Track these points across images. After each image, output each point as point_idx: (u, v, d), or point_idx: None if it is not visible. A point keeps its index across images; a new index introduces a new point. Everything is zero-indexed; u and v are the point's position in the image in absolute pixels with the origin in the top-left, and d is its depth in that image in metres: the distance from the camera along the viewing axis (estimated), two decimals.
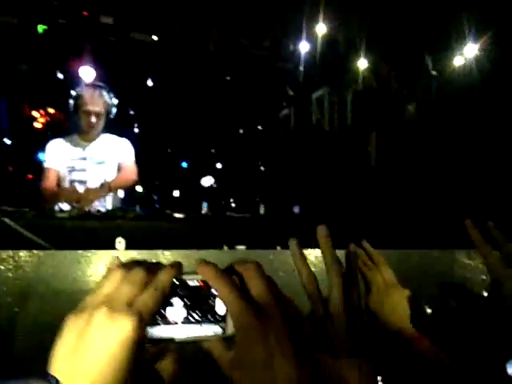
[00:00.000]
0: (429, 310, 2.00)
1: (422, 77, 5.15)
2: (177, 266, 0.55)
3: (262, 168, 6.27)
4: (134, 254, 1.88)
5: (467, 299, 1.16)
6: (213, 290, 0.56)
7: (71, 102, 3.15)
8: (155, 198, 4.26)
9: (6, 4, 4.67)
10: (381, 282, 1.18)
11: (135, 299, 0.51)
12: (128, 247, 1.91)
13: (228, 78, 5.98)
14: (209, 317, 0.56)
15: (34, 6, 4.78)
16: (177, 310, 0.54)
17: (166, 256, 1.94)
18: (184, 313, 0.55)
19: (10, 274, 1.62)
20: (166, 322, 0.54)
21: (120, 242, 1.92)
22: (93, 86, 3.21)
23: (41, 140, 6.13)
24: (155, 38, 5.31)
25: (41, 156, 3.25)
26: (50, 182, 3.10)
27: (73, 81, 5.22)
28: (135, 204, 2.87)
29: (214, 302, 0.56)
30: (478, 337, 0.96)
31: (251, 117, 6.41)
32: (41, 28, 5.04)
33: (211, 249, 2.16)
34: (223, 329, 0.56)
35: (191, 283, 0.56)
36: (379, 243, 2.30)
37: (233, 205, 5.55)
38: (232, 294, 0.53)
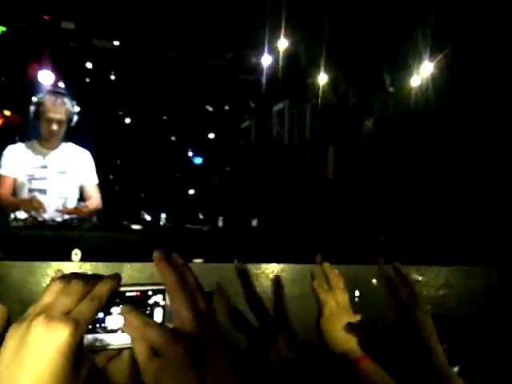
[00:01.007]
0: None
1: (379, 92, 5.27)
2: (115, 278, 0.58)
3: (221, 180, 6.28)
4: (89, 267, 1.87)
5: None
6: (150, 301, 0.59)
7: (32, 108, 3.07)
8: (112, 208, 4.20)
9: None
10: (333, 305, 1.18)
11: (72, 309, 0.53)
12: (84, 259, 1.89)
13: (190, 86, 5.96)
14: None
15: None
16: (115, 318, 0.57)
17: (123, 269, 1.94)
18: (122, 321, 0.57)
19: None
20: (105, 330, 0.57)
21: (76, 254, 1.91)
22: (55, 92, 3.13)
23: None
24: (117, 44, 5.26)
25: None
26: (4, 189, 3.01)
27: (31, 84, 5.13)
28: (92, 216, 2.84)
29: (152, 310, 0.59)
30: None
31: (212, 127, 6.43)
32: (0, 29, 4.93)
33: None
34: None
35: (129, 294, 0.59)
36: (333, 258, 2.35)
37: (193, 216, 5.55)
38: (176, 290, 0.56)
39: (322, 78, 5.31)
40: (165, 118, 6.54)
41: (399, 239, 2.90)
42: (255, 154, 5.77)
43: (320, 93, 5.30)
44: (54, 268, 1.76)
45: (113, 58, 5.44)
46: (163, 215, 2.80)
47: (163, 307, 0.59)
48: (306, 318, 2.12)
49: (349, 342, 1.14)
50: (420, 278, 2.34)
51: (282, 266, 2.21)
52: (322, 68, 5.21)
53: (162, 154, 6.53)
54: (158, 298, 0.59)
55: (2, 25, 4.90)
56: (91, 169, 3.21)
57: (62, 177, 3.06)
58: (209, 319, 0.57)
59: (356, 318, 1.18)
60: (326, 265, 1.27)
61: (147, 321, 0.56)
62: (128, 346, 0.57)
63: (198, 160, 6.77)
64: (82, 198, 3.15)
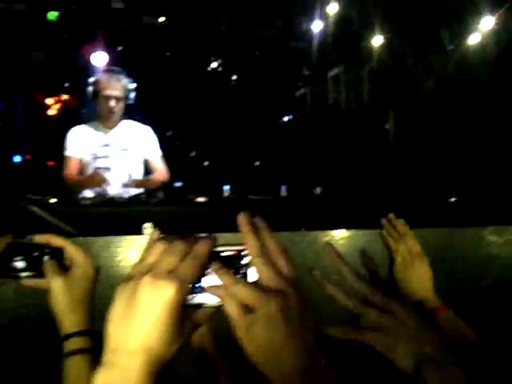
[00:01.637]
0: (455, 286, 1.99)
1: (437, 51, 5.05)
2: (213, 238, 0.60)
3: (281, 149, 6.22)
4: None
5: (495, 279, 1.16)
6: (244, 260, 0.61)
7: (90, 88, 3.12)
8: (178, 183, 4.26)
9: None
10: (405, 252, 1.19)
11: (176, 267, 0.56)
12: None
13: (242, 58, 5.91)
14: None
15: None
16: (212, 278, 0.60)
17: None
18: (218, 281, 0.59)
19: None
20: (203, 289, 0.60)
21: (146, 228, 1.93)
22: (110, 70, 3.17)
23: (56, 127, 6.19)
24: (165, 20, 5.25)
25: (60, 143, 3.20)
26: (71, 170, 3.08)
27: (86, 67, 5.22)
28: (158, 189, 2.88)
29: (246, 270, 0.61)
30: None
31: (267, 98, 6.35)
32: (52, 15, 5.01)
33: (235, 232, 2.16)
34: None
35: (224, 254, 0.61)
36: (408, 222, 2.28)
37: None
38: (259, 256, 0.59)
39: (377, 40, 5.14)
40: (219, 91, 6.54)
41: (465, 201, 2.77)
42: (312, 122, 5.68)
43: (376, 55, 5.14)
44: (125, 242, 1.79)
45: (164, 34, 5.44)
46: (226, 187, 2.79)
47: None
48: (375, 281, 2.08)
49: (424, 291, 1.14)
50: (496, 239, 2.25)
51: (350, 232, 2.17)
52: (377, 29, 5.04)
53: (220, 127, 6.55)
54: None
55: (55, 9, 4.98)
56: (154, 143, 3.23)
57: (124, 154, 3.10)
58: (292, 280, 0.59)
59: (428, 266, 1.18)
60: (392, 215, 1.28)
61: (236, 278, 0.59)
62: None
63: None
64: (147, 172, 3.20)
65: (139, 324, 0.53)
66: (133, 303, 0.54)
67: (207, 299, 0.60)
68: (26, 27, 5.22)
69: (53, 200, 2.21)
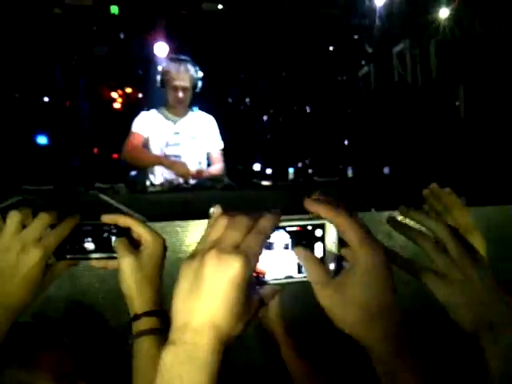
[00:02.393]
0: None
1: (508, 21, 4.76)
2: (277, 213, 0.59)
3: (346, 130, 6.12)
4: None
5: None
6: (310, 235, 0.61)
7: (158, 77, 3.17)
8: (240, 167, 4.28)
9: None
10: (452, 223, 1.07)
11: (241, 242, 0.55)
12: None
13: (305, 39, 5.82)
14: None
15: None
16: (275, 253, 0.61)
17: None
18: (290, 250, 0.60)
19: None
20: (273, 259, 0.61)
21: (213, 212, 1.93)
22: (178, 60, 3.19)
23: (121, 119, 6.36)
24: (224, 6, 5.25)
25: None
26: (135, 142, 3.10)
27: (148, 58, 5.31)
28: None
29: (313, 245, 0.61)
30: None
31: (330, 78, 6.26)
32: (115, 9, 5.13)
33: (302, 214, 2.13)
34: None
35: (290, 229, 0.60)
36: (471, 200, 2.17)
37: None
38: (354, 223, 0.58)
39: (444, 12, 4.91)
40: (283, 74, 6.50)
41: None
42: (378, 100, 5.53)
43: (443, 28, 4.91)
44: (194, 227, 1.79)
45: (224, 20, 5.44)
46: (291, 170, 2.76)
47: (323, 241, 0.61)
48: None
49: None
50: None
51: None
52: (443, 1, 4.82)
53: (285, 110, 6.53)
54: (318, 232, 0.61)
55: (117, 3, 5.09)
56: (216, 134, 3.27)
57: (193, 142, 3.14)
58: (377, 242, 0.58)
59: (482, 242, 1.07)
60: (435, 185, 1.18)
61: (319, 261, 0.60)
62: (294, 280, 0.61)
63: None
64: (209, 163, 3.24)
65: (206, 300, 0.52)
66: (198, 279, 0.53)
67: (274, 276, 0.61)
68: (91, 22, 5.37)
69: (121, 188, 2.26)
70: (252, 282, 0.56)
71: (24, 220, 0.79)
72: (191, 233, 1.74)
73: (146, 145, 3.13)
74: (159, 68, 3.19)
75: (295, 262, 0.61)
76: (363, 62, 6.09)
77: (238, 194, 2.36)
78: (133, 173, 3.70)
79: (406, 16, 5.18)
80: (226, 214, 0.57)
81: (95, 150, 6.71)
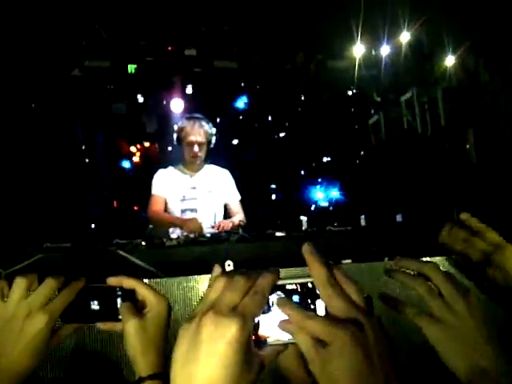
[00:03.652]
0: None
1: None
2: (275, 272, 0.59)
3: (357, 178, 6.16)
4: None
5: None
6: (310, 292, 0.59)
7: (175, 134, 3.31)
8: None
9: (99, 49, 5.00)
10: (481, 246, 1.01)
11: (238, 303, 0.54)
12: (236, 268, 1.94)
13: (313, 91, 5.97)
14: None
15: (123, 48, 5.07)
16: (280, 313, 0.58)
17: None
18: (280, 315, 0.58)
19: None
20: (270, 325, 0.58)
21: (229, 265, 1.97)
22: (193, 118, 3.34)
23: (140, 173, 6.48)
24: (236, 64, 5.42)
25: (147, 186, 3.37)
26: (158, 207, 3.23)
27: (165, 114, 5.47)
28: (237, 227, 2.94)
29: (314, 302, 0.59)
30: None
31: (340, 129, 6.35)
32: (131, 68, 5.33)
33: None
34: None
35: (289, 287, 0.59)
36: None
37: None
38: (331, 287, 0.57)
39: (449, 60, 5.03)
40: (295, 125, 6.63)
41: None
42: (389, 148, 5.59)
43: (449, 75, 5.02)
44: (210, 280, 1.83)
45: (235, 77, 5.62)
46: (304, 218, 2.80)
47: None
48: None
49: None
50: None
51: (435, 259, 2.09)
52: (448, 48, 4.93)
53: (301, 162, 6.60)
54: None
55: (132, 63, 5.30)
56: (232, 187, 3.37)
57: (209, 196, 3.23)
58: (364, 309, 0.56)
59: None
60: (448, 224, 1.10)
61: (306, 312, 0.56)
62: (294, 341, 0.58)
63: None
64: (226, 214, 3.31)
65: (204, 365, 0.51)
66: (196, 343, 0.53)
67: (276, 335, 0.59)
68: (109, 81, 5.58)
69: (139, 243, 2.31)
70: (251, 344, 0.55)
71: (30, 285, 0.79)
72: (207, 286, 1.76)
73: (166, 203, 3.26)
74: (175, 127, 3.33)
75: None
76: (372, 111, 6.19)
77: (252, 246, 2.39)
78: (151, 226, 3.78)
79: (413, 65, 5.29)
80: (224, 275, 0.58)
81: (115, 204, 6.81)
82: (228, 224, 3.06)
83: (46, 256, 1.99)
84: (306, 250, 0.59)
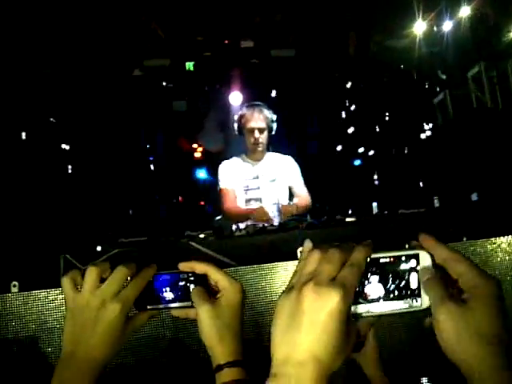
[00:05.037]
0: None
1: None
2: (369, 245, 0.59)
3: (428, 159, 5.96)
4: None
5: None
6: (404, 265, 0.60)
7: (235, 124, 3.31)
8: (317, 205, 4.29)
9: (157, 48, 5.10)
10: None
11: (336, 275, 0.55)
12: None
13: (372, 73, 5.83)
14: (404, 291, 0.60)
15: (181, 45, 5.14)
16: (374, 286, 0.60)
17: None
18: (381, 289, 0.60)
19: None
20: (366, 299, 0.59)
21: (301, 252, 1.95)
22: (252, 105, 3.33)
23: (202, 167, 6.59)
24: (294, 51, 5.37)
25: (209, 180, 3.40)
26: (231, 201, 3.23)
27: (225, 108, 5.51)
28: (305, 214, 2.91)
29: (408, 276, 0.60)
30: None
31: (405, 110, 6.18)
32: (189, 65, 5.40)
33: (390, 250, 2.08)
34: (419, 302, 0.60)
35: (383, 260, 0.60)
36: None
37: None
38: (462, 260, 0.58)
39: None
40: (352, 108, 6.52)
41: None
42: (458, 126, 5.37)
43: None
44: (281, 268, 1.82)
45: (292, 65, 5.57)
46: (374, 204, 2.73)
47: (417, 271, 0.60)
48: None
49: None
50: None
51: None
52: None
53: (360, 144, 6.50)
54: (413, 262, 0.60)
55: (191, 59, 5.36)
56: (296, 172, 3.33)
57: (272, 184, 3.21)
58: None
59: None
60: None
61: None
62: (389, 312, 0.60)
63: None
64: (292, 199, 3.28)
65: (306, 333, 0.53)
66: (297, 313, 0.54)
67: (370, 309, 0.60)
68: (169, 79, 5.68)
69: (210, 234, 2.33)
70: (350, 315, 0.56)
71: (102, 274, 0.78)
72: (280, 274, 1.76)
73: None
74: (235, 116, 3.32)
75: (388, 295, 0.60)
76: (437, 89, 5.97)
77: (321, 232, 2.36)
78: (218, 218, 3.82)
79: (478, 38, 5.06)
80: (318, 248, 0.58)
81: (180, 199, 6.96)
82: (292, 207, 3.02)
83: (121, 251, 2.05)
84: (424, 237, 0.61)
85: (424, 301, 0.59)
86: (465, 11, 4.85)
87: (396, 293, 0.60)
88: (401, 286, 0.60)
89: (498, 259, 1.94)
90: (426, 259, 0.60)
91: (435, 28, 5.25)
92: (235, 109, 5.20)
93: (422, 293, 0.60)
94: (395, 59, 5.64)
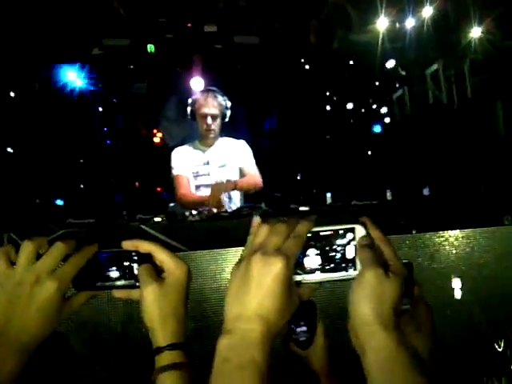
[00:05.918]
0: None
1: None
2: (312, 220, 0.68)
3: (382, 153, 6.06)
4: None
5: None
6: (342, 238, 0.68)
7: (188, 108, 3.26)
8: (278, 194, 4.30)
9: (118, 28, 4.96)
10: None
11: (281, 245, 0.64)
12: None
13: (333, 67, 5.86)
14: (340, 262, 0.68)
15: (142, 26, 5.02)
16: (313, 258, 0.68)
17: None
18: (319, 260, 0.68)
19: None
20: (304, 270, 0.68)
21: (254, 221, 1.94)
22: (206, 90, 3.30)
23: (162, 154, 6.49)
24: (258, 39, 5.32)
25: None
26: (185, 187, 3.20)
27: (185, 92, 5.43)
28: (260, 201, 2.90)
29: (345, 247, 0.68)
30: None
31: (365, 103, 6.25)
32: (151, 47, 5.28)
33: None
34: (355, 269, 0.67)
35: (323, 233, 0.68)
36: None
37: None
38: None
39: (476, 31, 4.89)
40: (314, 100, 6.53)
41: None
42: (414, 122, 5.48)
43: (476, 47, 4.88)
44: (232, 254, 1.81)
45: (256, 52, 5.52)
46: (328, 194, 2.74)
47: (353, 244, 0.67)
48: (497, 279, 1.92)
49: None
50: None
51: (463, 232, 2.05)
52: (475, 20, 4.80)
53: (320, 135, 6.54)
54: (349, 235, 0.68)
55: (152, 41, 5.24)
56: (248, 154, 3.31)
57: (222, 170, 3.19)
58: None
59: None
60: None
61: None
62: (327, 279, 0.68)
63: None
64: None
65: (254, 295, 0.62)
66: (247, 278, 0.63)
67: (309, 278, 0.68)
68: (129, 60, 5.55)
69: (161, 218, 2.30)
70: (292, 280, 0.65)
71: (39, 250, 0.74)
72: (231, 260, 1.75)
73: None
74: (189, 100, 3.28)
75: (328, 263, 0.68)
76: (397, 85, 6.06)
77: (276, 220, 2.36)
78: (172, 204, 3.77)
79: (438, 37, 5.16)
80: (266, 222, 0.67)
81: (137, 184, 6.84)
82: (230, 184, 3.00)
83: (68, 231, 1.99)
84: (365, 220, 0.70)
85: (358, 269, 0.66)
86: (427, 10, 4.94)
87: (332, 265, 0.68)
88: (338, 257, 0.68)
89: (445, 252, 1.99)
90: (361, 232, 0.68)
91: (397, 24, 5.31)
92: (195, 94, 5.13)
93: (357, 263, 0.67)
94: (357, 53, 5.69)
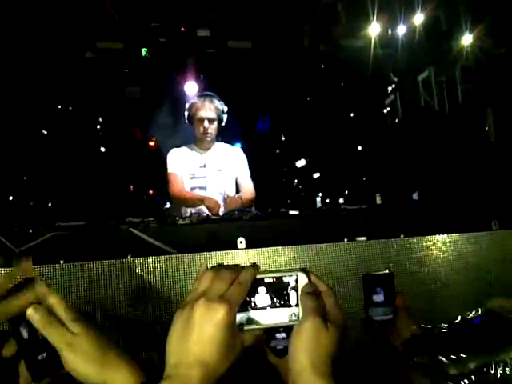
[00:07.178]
0: None
1: None
2: (255, 266, 0.70)
3: (373, 158, 6.09)
4: (253, 253, 1.91)
5: None
6: (284, 284, 0.69)
7: (185, 113, 3.30)
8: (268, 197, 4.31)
9: (111, 31, 4.98)
10: None
11: (225, 292, 0.65)
12: (248, 246, 1.94)
13: (327, 71, 5.89)
14: (286, 304, 0.69)
15: (136, 30, 5.04)
16: (262, 297, 0.68)
17: (285, 253, 1.94)
18: (268, 299, 0.68)
19: (145, 277, 1.71)
20: (254, 307, 0.68)
21: (241, 242, 1.96)
22: (203, 95, 3.33)
23: (156, 158, 6.48)
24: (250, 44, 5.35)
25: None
26: (179, 184, 3.23)
27: (179, 97, 5.44)
28: (250, 205, 2.92)
29: (288, 292, 0.69)
30: None
31: (356, 108, 6.28)
32: (144, 51, 5.30)
33: (331, 242, 2.13)
34: (297, 316, 0.68)
35: (267, 280, 0.69)
36: (505, 222, 2.12)
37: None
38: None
39: (467, 38, 4.94)
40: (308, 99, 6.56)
41: None
42: (405, 127, 5.52)
43: (467, 54, 4.94)
44: (221, 257, 1.82)
45: (249, 57, 5.54)
46: (318, 198, 2.76)
47: (296, 290, 0.69)
48: (483, 286, 1.94)
49: None
50: None
51: (451, 236, 2.07)
52: (466, 27, 4.85)
53: (313, 140, 6.56)
54: (292, 282, 0.69)
55: (145, 44, 5.26)
56: (244, 163, 3.35)
57: (219, 174, 3.22)
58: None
59: None
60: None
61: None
62: (272, 325, 0.69)
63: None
64: (237, 191, 3.29)
65: (196, 341, 0.62)
66: (189, 324, 0.63)
67: (258, 318, 0.68)
68: (123, 64, 5.55)
69: (152, 221, 2.30)
70: (235, 327, 0.65)
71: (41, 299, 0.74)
72: (220, 262, 1.75)
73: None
74: (186, 105, 3.31)
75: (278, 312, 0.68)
76: (389, 91, 6.10)
77: (265, 224, 2.37)
78: (167, 206, 3.79)
79: (430, 44, 5.21)
80: (211, 269, 0.68)
81: (131, 188, 6.84)
82: (237, 200, 3.03)
83: (58, 234, 1.99)
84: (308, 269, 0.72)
85: (300, 316, 0.68)
86: (418, 16, 4.99)
87: (279, 304, 0.68)
88: (283, 300, 0.69)
89: (433, 256, 2.01)
90: (304, 280, 0.69)
91: (390, 31, 5.35)
92: (189, 98, 5.15)
93: (299, 310, 0.68)
94: (350, 59, 5.72)
